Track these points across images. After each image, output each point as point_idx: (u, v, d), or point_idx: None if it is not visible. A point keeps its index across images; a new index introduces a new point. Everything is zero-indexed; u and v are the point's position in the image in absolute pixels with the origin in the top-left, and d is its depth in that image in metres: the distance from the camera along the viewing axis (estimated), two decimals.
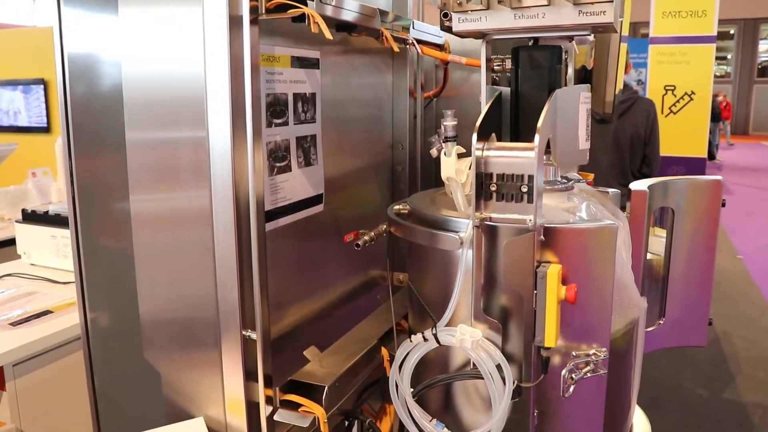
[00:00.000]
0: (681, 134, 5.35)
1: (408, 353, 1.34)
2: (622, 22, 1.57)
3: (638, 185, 1.75)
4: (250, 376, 1.35)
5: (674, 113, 5.41)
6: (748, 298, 5.39)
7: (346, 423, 1.90)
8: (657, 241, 2.03)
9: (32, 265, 2.38)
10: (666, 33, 5.38)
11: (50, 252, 2.29)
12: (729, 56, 18.60)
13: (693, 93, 5.41)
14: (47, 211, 2.32)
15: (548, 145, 1.36)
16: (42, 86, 4.77)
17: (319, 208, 1.65)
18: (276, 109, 1.46)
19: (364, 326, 1.73)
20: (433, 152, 1.56)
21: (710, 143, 14.37)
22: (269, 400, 1.38)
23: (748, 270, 6.05)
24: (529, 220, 1.22)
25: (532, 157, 1.22)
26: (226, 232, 1.28)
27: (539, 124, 1.22)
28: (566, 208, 1.43)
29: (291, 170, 1.52)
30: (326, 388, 1.38)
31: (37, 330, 1.78)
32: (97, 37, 1.40)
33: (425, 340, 1.31)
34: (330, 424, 1.67)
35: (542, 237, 1.25)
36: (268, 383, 1.37)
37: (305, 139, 1.58)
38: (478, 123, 1.28)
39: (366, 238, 1.52)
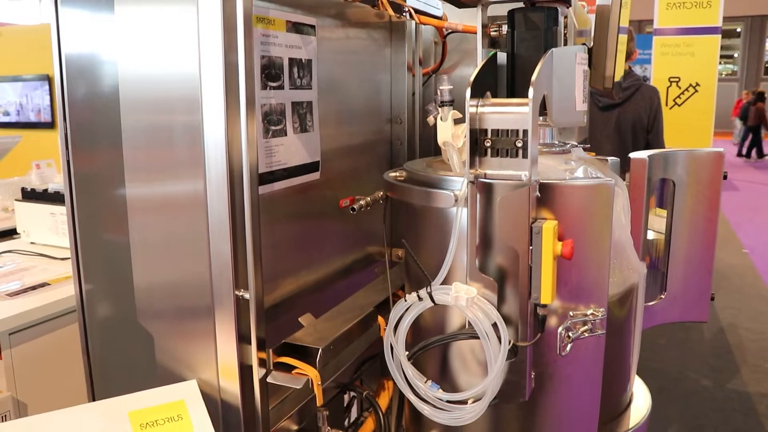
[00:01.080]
0: (686, 126, 5.31)
1: (403, 314, 1.32)
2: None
3: (638, 154, 1.73)
4: (243, 338, 1.34)
5: (679, 105, 5.38)
6: (754, 291, 5.35)
7: (345, 402, 1.90)
8: (658, 220, 2.01)
9: (32, 243, 2.38)
10: (670, 24, 5.36)
11: (49, 230, 2.29)
12: (736, 55, 18.42)
13: (698, 85, 5.38)
14: (46, 189, 2.32)
15: (544, 107, 1.35)
16: (47, 82, 4.80)
17: (315, 176, 1.64)
18: (271, 72, 1.45)
19: (361, 295, 1.72)
20: (430, 120, 1.55)
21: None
22: (262, 363, 1.36)
23: (754, 263, 6.02)
24: (524, 174, 1.21)
25: (526, 112, 1.21)
26: (219, 192, 1.28)
27: (533, 77, 1.21)
28: (563, 170, 1.41)
29: (286, 135, 1.51)
30: (320, 350, 1.37)
31: (33, 300, 1.78)
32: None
33: (420, 299, 1.29)
34: (326, 396, 1.66)
35: (538, 193, 1.23)
36: (261, 346, 1.36)
37: (301, 105, 1.57)
38: (471, 78, 1.27)
39: (362, 202, 1.51)
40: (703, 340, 4.42)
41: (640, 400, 1.56)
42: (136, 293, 1.42)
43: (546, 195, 1.25)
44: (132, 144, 1.35)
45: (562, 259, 1.25)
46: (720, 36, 5.32)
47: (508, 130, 1.23)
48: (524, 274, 1.22)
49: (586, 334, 1.27)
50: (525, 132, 1.21)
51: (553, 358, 1.31)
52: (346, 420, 1.91)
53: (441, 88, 1.49)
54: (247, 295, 1.31)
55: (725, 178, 1.90)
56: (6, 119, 5.19)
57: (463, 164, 1.45)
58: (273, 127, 1.47)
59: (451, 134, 1.47)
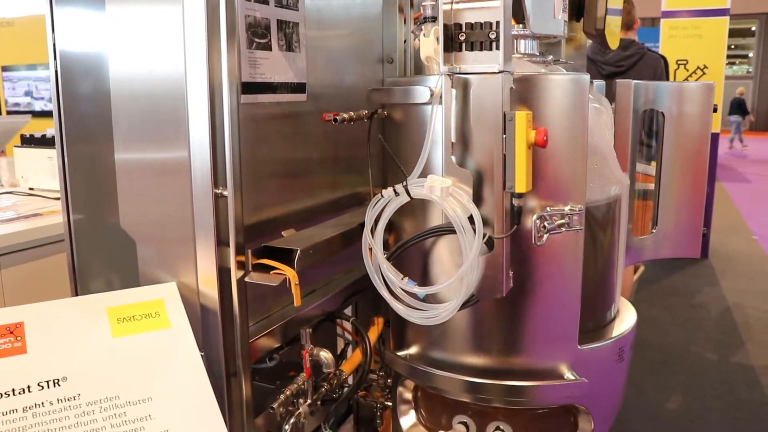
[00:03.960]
0: None
1: (380, 212, 1.33)
2: None
3: (624, 81, 1.73)
4: (222, 242, 1.35)
5: None
6: (762, 275, 5.28)
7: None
8: (648, 169, 2.02)
9: (30, 189, 2.41)
10: (678, 6, 5.33)
11: (46, 174, 2.32)
12: (750, 54, 18.08)
13: (705, 67, 5.34)
14: (44, 134, 2.35)
15: (522, 15, 1.36)
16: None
17: (301, 98, 1.65)
18: None
19: (345, 217, 1.73)
20: (416, 43, 1.56)
21: None
22: (241, 265, 1.37)
23: (763, 250, 5.96)
24: (497, 65, 1.21)
25: (498, 5, 1.21)
26: (199, 89, 1.29)
27: None
28: (542, 72, 1.41)
29: (271, 50, 1.53)
30: (298, 251, 1.37)
31: (24, 224, 1.81)
32: None
33: (396, 194, 1.30)
34: (312, 323, 1.67)
35: (512, 86, 1.23)
36: (240, 249, 1.37)
37: (287, 24, 1.59)
38: None
39: (345, 116, 1.52)
40: (709, 318, 4.36)
41: (627, 318, 1.54)
42: (120, 196, 1.43)
43: (522, 88, 1.25)
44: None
45: (538, 153, 1.25)
46: (728, 18, 5.28)
47: (481, 23, 1.23)
48: (499, 164, 1.22)
49: (563, 229, 1.27)
50: (498, 23, 1.21)
51: (531, 256, 1.30)
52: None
53: (424, 3, 1.50)
54: (225, 193, 1.32)
55: (715, 111, 1.88)
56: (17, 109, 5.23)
57: None
58: (257, 39, 1.48)
59: (433, 49, 1.48)
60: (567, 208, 1.28)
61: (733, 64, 15.45)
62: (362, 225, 1.63)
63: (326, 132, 1.78)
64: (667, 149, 1.87)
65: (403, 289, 1.32)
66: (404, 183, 1.28)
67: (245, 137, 1.38)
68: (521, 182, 1.20)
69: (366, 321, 1.88)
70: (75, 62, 1.51)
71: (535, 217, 1.25)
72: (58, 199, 2.20)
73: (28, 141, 2.39)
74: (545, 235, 1.25)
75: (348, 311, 1.88)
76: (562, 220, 1.26)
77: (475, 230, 1.23)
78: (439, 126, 1.28)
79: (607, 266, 1.48)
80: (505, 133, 1.20)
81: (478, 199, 1.26)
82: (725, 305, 4.57)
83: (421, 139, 1.34)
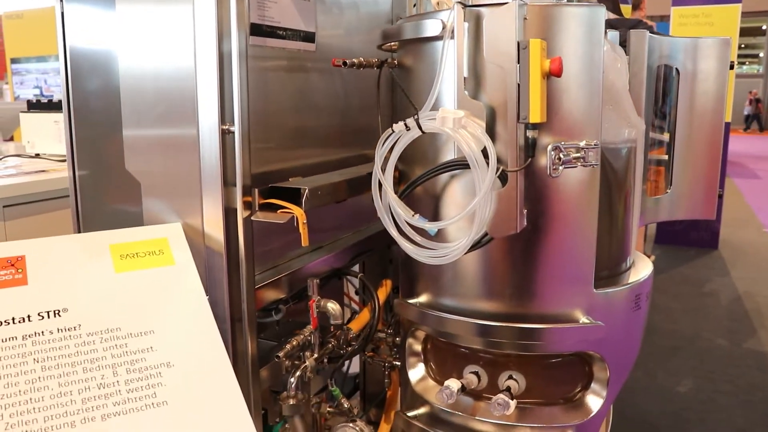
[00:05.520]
0: None
1: (391, 148, 1.29)
2: None
3: (638, 30, 1.69)
4: (228, 182, 1.32)
5: None
6: None
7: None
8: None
9: (36, 154, 2.39)
10: None
11: (53, 138, 2.30)
12: (761, 54, 17.88)
13: None
14: (51, 99, 2.34)
15: None
16: None
17: (310, 47, 1.63)
18: None
19: (354, 169, 1.70)
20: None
21: None
22: (248, 206, 1.34)
23: None
24: None
25: None
26: (208, 26, 1.27)
27: None
28: None
29: None
30: (307, 189, 1.34)
31: (29, 178, 1.79)
32: None
33: (407, 128, 1.26)
34: (320, 277, 1.63)
35: (526, 16, 1.20)
36: (246, 191, 1.34)
37: None
38: None
39: (354, 61, 1.49)
40: (719, 306, 4.31)
41: (643, 268, 1.50)
42: (125, 138, 1.41)
43: (535, 19, 1.21)
44: None
45: (552, 88, 1.22)
46: (740, 5, 5.23)
47: None
48: (513, 94, 1.18)
49: (578, 164, 1.23)
50: None
51: (545, 193, 1.26)
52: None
53: None
54: (233, 128, 1.29)
55: (732, 68, 1.84)
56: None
57: None
58: None
59: None
60: (582, 143, 1.24)
61: (743, 64, 15.31)
62: (371, 174, 1.60)
63: (335, 88, 1.75)
64: (682, 107, 1.83)
65: (413, 228, 1.29)
66: (415, 116, 1.25)
67: (253, 84, 1.35)
68: (536, 112, 1.17)
69: (374, 284, 1.85)
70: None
71: (550, 147, 1.22)
72: (64, 160, 2.18)
73: (35, 106, 2.37)
74: (560, 167, 1.21)
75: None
76: (578, 154, 1.22)
77: (488, 163, 1.19)
78: (451, 62, 1.25)
79: (623, 213, 1.44)
80: (519, 63, 1.16)
81: (491, 134, 1.22)
82: (736, 294, 4.51)
83: (431, 81, 1.30)
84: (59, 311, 1.14)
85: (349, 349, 1.67)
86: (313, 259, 1.64)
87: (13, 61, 5.29)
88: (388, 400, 1.92)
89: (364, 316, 1.75)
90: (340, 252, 1.75)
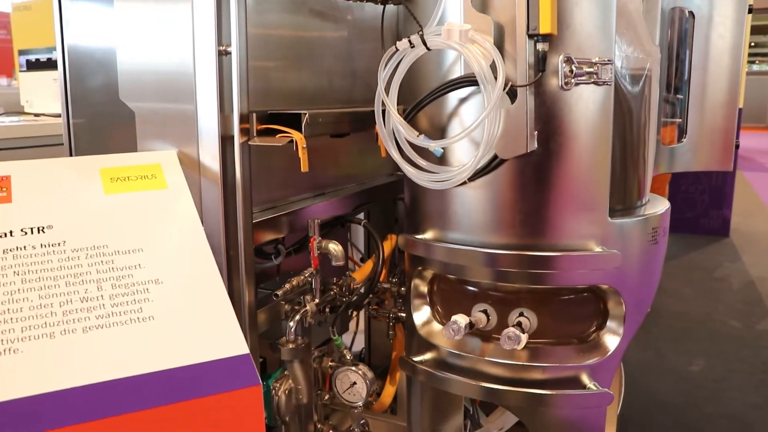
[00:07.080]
0: None
1: (395, 67, 1.23)
2: None
3: None
4: (225, 108, 1.26)
5: None
6: None
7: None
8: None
9: (35, 114, 2.35)
10: None
11: (51, 97, 2.25)
12: None
13: None
14: (50, 58, 2.29)
15: None
16: None
17: None
18: None
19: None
20: None
21: None
22: (245, 132, 1.28)
23: None
24: None
25: None
26: None
27: None
28: None
29: None
30: (307, 114, 1.28)
31: (23, 121, 1.74)
32: None
33: (412, 46, 1.20)
34: (324, 230, 1.57)
35: None
36: (244, 119, 1.28)
37: None
38: None
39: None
40: (732, 290, 4.22)
41: (659, 204, 1.43)
42: (119, 70, 1.35)
43: None
44: None
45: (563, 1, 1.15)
46: None
47: None
48: (522, 4, 1.12)
49: (591, 80, 1.16)
50: None
51: (557, 113, 1.19)
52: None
53: None
54: (230, 49, 1.23)
55: (750, 12, 1.78)
56: None
57: None
58: None
59: None
60: (596, 59, 1.17)
61: (753, 63, 15.15)
62: (373, 112, 1.54)
63: (339, 33, 1.70)
64: (697, 53, 1.76)
65: (417, 152, 1.22)
66: (419, 32, 1.18)
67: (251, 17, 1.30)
68: (546, 21, 1.10)
69: (380, 237, 1.79)
70: None
71: (561, 57, 1.15)
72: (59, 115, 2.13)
73: (33, 66, 2.32)
74: (572, 80, 1.14)
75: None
76: (591, 69, 1.16)
77: (497, 78, 1.13)
78: None
79: (638, 146, 1.37)
80: None
81: (498, 47, 1.16)
82: (748, 278, 4.42)
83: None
84: (43, 228, 1.08)
85: (353, 297, 1.60)
86: (316, 203, 1.57)
87: (22, 53, 5.27)
88: (393, 362, 1.86)
89: (368, 266, 1.69)
90: (344, 198, 1.68)
